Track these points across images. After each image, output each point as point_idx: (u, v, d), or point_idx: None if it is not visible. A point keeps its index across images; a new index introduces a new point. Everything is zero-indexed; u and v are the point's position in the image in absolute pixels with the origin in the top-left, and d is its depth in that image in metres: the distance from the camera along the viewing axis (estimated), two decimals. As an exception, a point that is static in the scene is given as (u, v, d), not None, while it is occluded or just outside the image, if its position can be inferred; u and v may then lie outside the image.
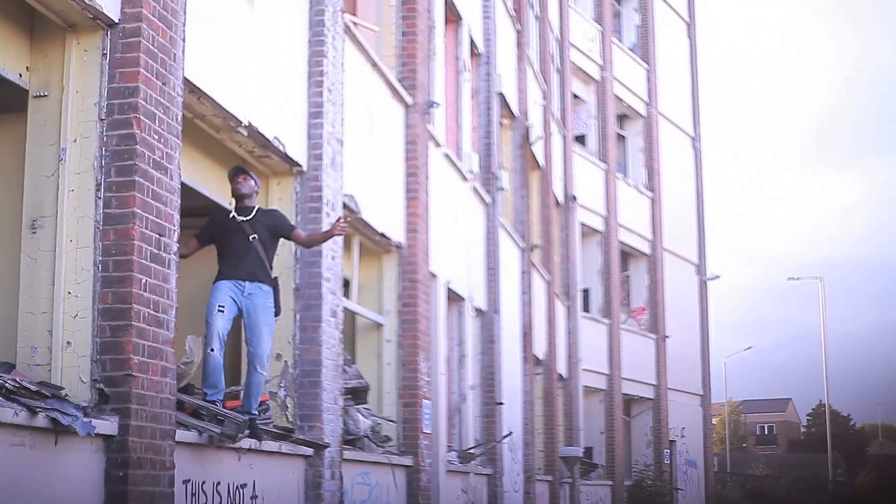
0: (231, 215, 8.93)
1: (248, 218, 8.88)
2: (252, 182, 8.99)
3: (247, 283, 8.74)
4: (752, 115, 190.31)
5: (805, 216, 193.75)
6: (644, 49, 33.57)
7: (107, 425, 6.45)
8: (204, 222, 9.12)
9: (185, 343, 8.42)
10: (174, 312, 7.11)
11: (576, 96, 29.71)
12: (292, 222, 9.65)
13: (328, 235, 9.31)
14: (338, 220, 9.12)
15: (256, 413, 8.83)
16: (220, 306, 8.59)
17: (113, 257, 6.69)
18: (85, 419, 6.23)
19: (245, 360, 9.19)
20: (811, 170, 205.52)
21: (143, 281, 6.76)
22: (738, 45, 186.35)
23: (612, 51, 31.32)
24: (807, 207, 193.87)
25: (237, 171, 9.02)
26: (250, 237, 8.79)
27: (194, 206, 8.91)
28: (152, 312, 6.83)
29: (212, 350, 8.43)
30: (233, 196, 9.00)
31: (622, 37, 33.23)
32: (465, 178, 16.22)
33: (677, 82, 35.64)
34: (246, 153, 9.48)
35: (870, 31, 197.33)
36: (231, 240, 8.83)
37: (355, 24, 11.84)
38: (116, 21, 6.87)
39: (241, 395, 8.92)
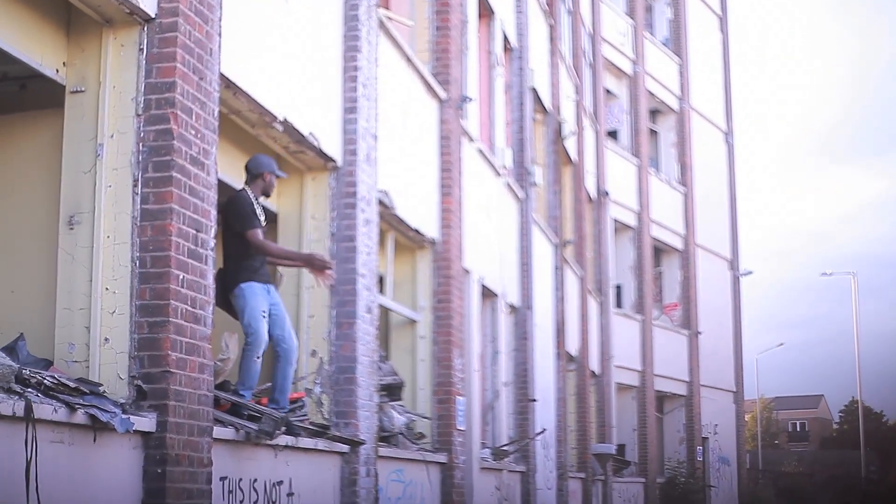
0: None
1: (264, 218, 8.81)
2: None
3: (269, 286, 8.81)
4: (784, 109, 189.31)
5: (838, 211, 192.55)
6: (676, 43, 33.38)
7: (145, 422, 6.43)
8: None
9: (222, 339, 8.39)
10: (211, 308, 7.08)
11: (608, 91, 29.57)
12: (328, 217, 9.72)
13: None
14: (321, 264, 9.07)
15: (287, 408, 8.81)
16: (263, 311, 8.57)
17: (150, 253, 6.67)
18: (123, 416, 6.21)
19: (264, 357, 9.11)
20: (845, 163, 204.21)
21: (181, 277, 6.73)
22: (770, 39, 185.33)
23: (645, 45, 31.17)
24: (840, 202, 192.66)
25: (277, 167, 8.85)
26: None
27: (230, 201, 8.85)
28: (190, 308, 6.80)
29: (258, 357, 8.43)
30: (261, 192, 8.81)
31: (654, 31, 33.04)
32: (498, 174, 16.14)
33: (710, 77, 35.42)
34: (281, 148, 9.44)
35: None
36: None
37: (389, 18, 11.79)
38: (153, 16, 6.84)
39: (274, 391, 8.87)
